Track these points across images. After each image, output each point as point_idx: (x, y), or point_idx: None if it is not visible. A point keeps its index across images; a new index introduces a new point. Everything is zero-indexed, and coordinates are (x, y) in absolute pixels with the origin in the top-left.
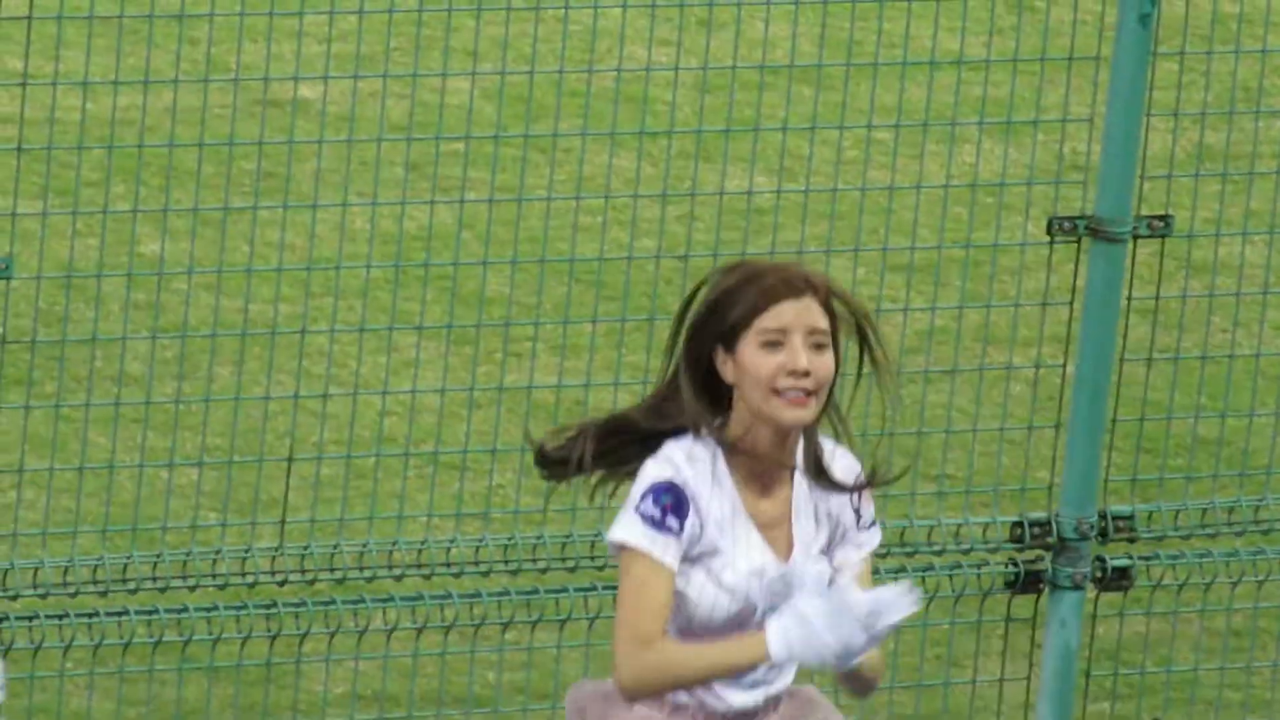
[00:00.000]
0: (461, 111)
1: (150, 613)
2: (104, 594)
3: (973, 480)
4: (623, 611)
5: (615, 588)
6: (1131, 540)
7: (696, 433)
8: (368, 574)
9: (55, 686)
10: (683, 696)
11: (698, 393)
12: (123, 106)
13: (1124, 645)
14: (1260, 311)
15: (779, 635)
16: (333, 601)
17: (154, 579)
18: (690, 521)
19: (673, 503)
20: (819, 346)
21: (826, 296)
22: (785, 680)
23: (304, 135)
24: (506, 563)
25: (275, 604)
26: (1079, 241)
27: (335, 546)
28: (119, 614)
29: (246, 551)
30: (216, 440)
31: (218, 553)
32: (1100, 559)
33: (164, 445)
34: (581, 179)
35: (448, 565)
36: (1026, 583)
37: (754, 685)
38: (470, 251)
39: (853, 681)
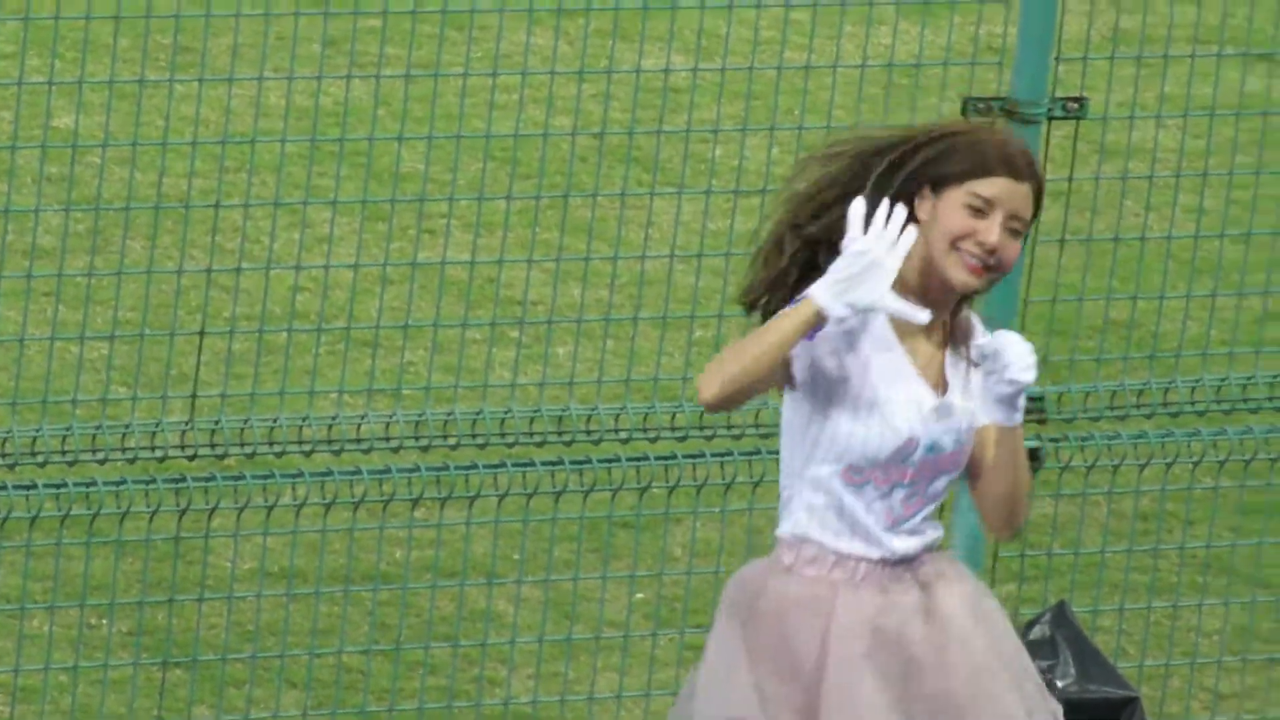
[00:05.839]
0: None
1: (58, 486)
2: (11, 467)
3: None
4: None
5: (525, 465)
6: (1041, 422)
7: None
8: (277, 449)
9: None
10: (845, 545)
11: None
12: None
13: (1031, 527)
14: (1172, 195)
15: (819, 288)
16: (242, 477)
17: (63, 453)
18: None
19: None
20: (1014, 233)
21: (1040, 190)
22: (937, 533)
23: (221, 9)
24: (417, 439)
25: (184, 479)
26: (994, 123)
27: (245, 422)
28: (27, 487)
29: (156, 426)
30: (128, 314)
31: (127, 427)
32: None
33: (75, 319)
34: (498, 56)
35: (358, 441)
36: None
37: (912, 533)
38: (385, 128)
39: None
